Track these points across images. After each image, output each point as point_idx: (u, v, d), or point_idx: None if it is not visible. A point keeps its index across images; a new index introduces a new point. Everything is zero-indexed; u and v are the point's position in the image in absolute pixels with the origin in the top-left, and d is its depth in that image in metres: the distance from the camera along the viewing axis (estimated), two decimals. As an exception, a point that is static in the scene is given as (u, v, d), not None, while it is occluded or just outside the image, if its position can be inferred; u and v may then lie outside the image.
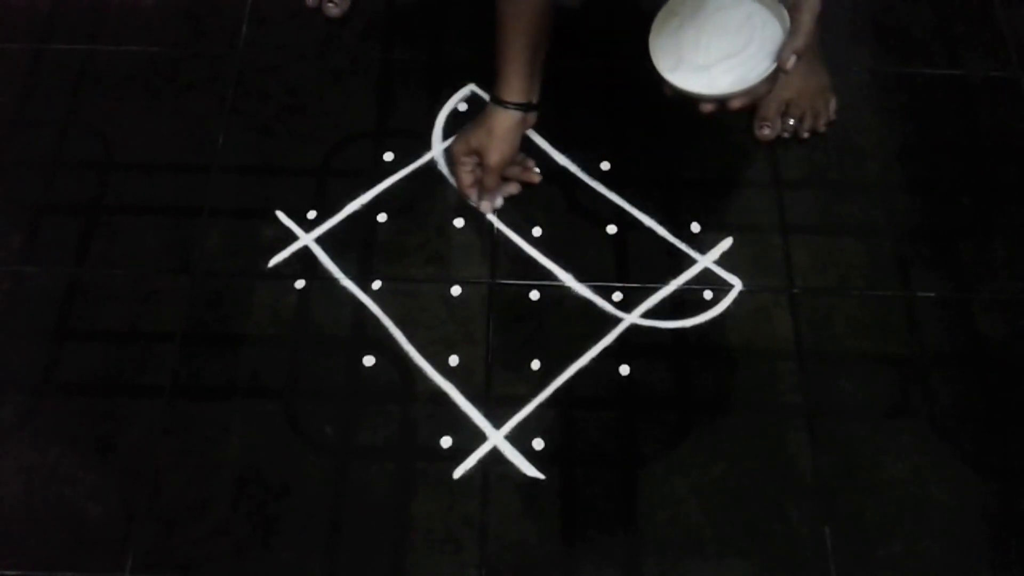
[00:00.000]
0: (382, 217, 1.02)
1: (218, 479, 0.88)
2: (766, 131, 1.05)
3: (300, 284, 0.98)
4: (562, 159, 1.06)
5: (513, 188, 1.03)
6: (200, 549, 0.85)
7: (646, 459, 0.89)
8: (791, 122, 1.05)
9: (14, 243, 1.00)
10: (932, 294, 0.98)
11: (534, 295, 0.98)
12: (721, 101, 0.84)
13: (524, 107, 0.98)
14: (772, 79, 0.83)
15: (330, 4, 1.15)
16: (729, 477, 0.88)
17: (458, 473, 0.88)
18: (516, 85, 0.97)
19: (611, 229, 1.02)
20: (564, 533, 0.86)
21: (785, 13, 0.83)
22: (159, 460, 0.89)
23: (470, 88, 1.10)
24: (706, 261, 1.00)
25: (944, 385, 0.93)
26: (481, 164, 0.99)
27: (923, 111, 1.11)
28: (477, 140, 0.99)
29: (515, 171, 1.02)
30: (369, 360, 0.94)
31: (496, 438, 0.90)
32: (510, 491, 0.88)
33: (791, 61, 0.82)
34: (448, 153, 1.04)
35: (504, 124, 0.98)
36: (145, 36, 1.14)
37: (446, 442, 0.90)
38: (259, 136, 1.07)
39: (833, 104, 1.08)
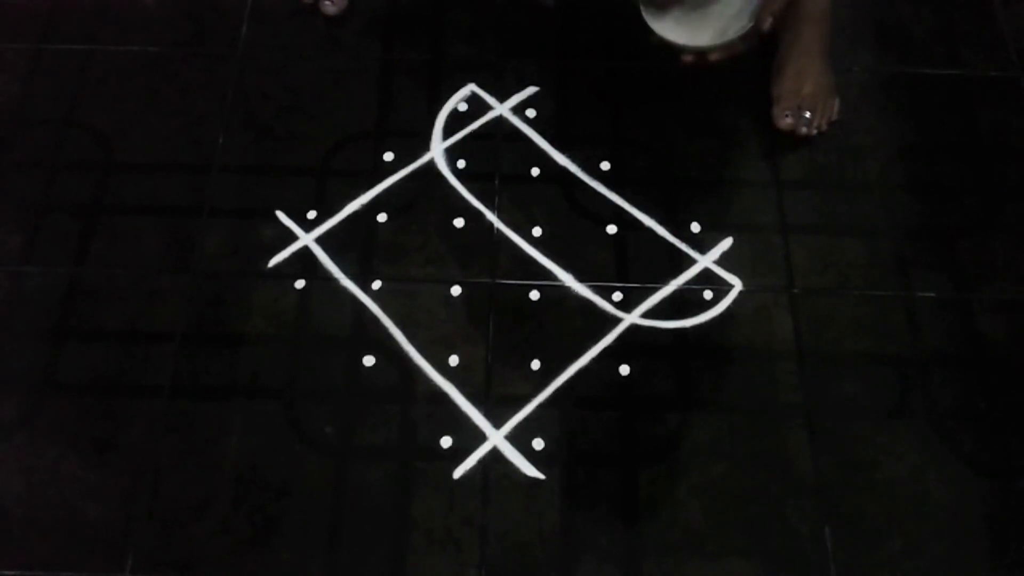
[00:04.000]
0: (382, 217, 1.02)
1: (218, 479, 0.88)
2: (789, 120, 1.06)
3: (300, 284, 0.98)
4: (562, 159, 1.06)
5: None
6: (200, 549, 0.85)
7: (646, 459, 0.89)
8: (807, 115, 1.05)
9: (14, 243, 1.00)
10: (932, 294, 0.98)
11: (534, 295, 0.98)
12: (701, 53, 0.91)
13: None
14: (749, 37, 0.89)
15: (327, 3, 1.15)
16: (729, 477, 0.88)
17: (458, 473, 0.88)
18: None
19: (611, 229, 1.02)
20: (564, 533, 0.86)
21: None
22: (159, 460, 0.89)
23: (470, 88, 1.10)
24: (706, 261, 1.00)
25: (944, 385, 0.93)
26: None
27: (923, 111, 1.11)
28: None
29: None
30: (369, 360, 0.94)
31: (496, 438, 0.90)
32: (510, 491, 0.88)
33: (767, 22, 0.89)
34: None
35: None
36: (145, 36, 1.15)
37: (446, 442, 0.90)
38: (259, 136, 1.07)
39: (836, 104, 1.08)
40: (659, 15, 0.90)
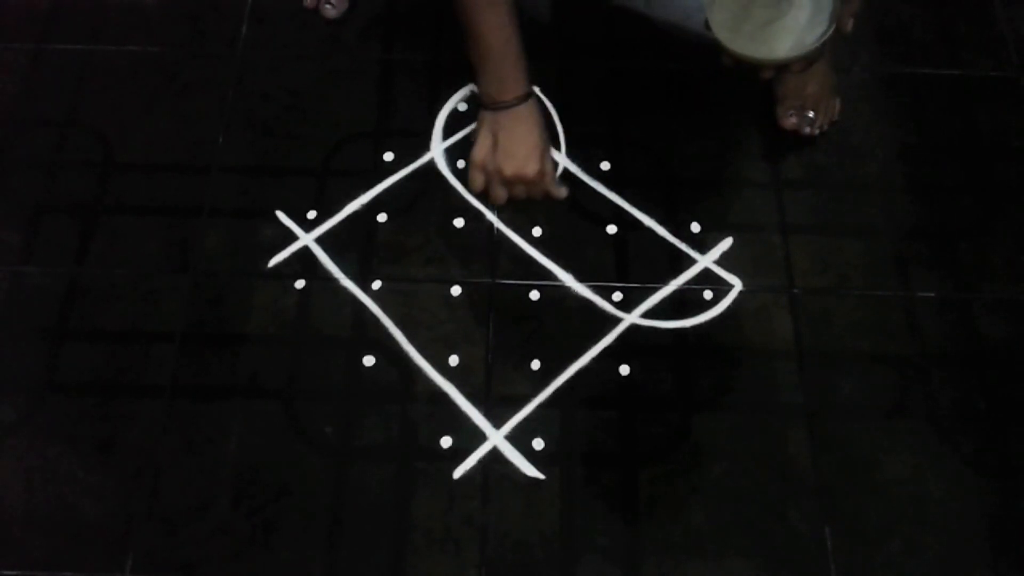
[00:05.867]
0: (382, 217, 1.02)
1: (218, 479, 0.88)
2: (793, 119, 1.06)
3: (300, 284, 0.98)
4: (562, 159, 1.06)
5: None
6: (200, 549, 0.85)
7: (646, 459, 0.89)
8: (810, 114, 1.05)
9: (14, 243, 1.00)
10: (932, 294, 0.98)
11: (534, 295, 0.98)
12: (779, 66, 0.86)
13: (526, 96, 0.97)
14: (828, 43, 0.84)
15: (327, 6, 1.15)
16: (729, 477, 0.88)
17: (458, 473, 0.88)
18: (515, 75, 0.96)
19: (611, 229, 1.02)
20: (564, 533, 0.86)
21: None
22: (159, 460, 0.89)
23: (470, 88, 1.10)
24: (706, 261, 1.00)
25: (944, 385, 0.93)
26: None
27: (923, 111, 1.11)
28: (482, 155, 0.99)
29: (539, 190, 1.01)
30: (369, 360, 0.94)
31: (496, 438, 0.90)
32: (510, 491, 0.88)
33: (850, 23, 0.84)
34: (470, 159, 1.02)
35: (522, 123, 0.97)
36: (145, 36, 1.15)
37: (446, 442, 0.90)
38: (259, 136, 1.07)
39: (838, 104, 1.08)
40: (732, 33, 0.85)
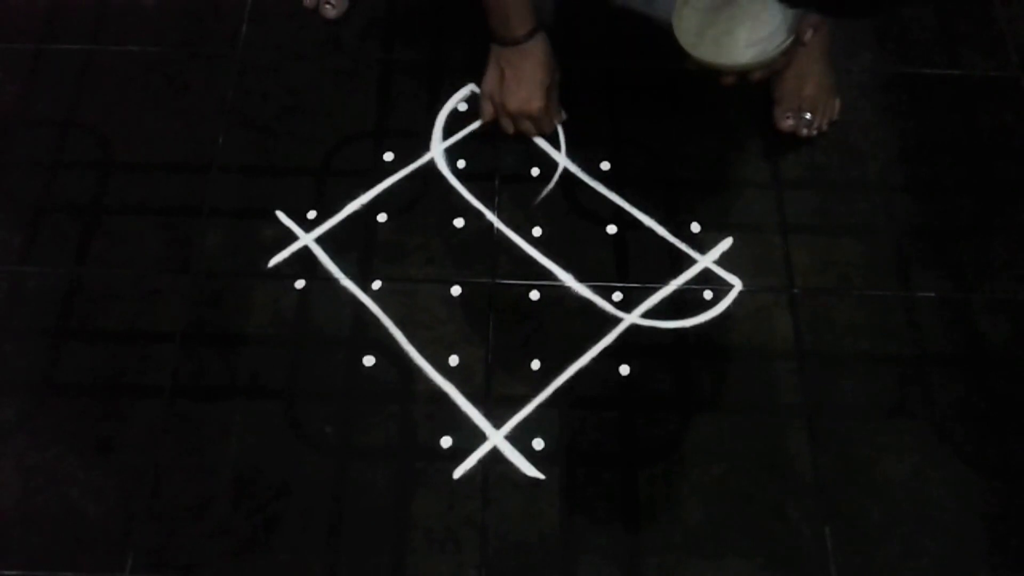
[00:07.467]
0: (382, 217, 1.02)
1: (218, 479, 0.88)
2: (791, 122, 1.06)
3: (300, 284, 0.98)
4: (562, 159, 1.06)
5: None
6: (200, 549, 0.85)
7: (646, 459, 0.89)
8: (808, 116, 1.05)
9: (14, 243, 1.00)
10: (932, 294, 0.98)
11: (534, 295, 0.98)
12: (742, 73, 0.88)
13: (532, 33, 0.99)
14: (789, 51, 0.87)
15: (327, 6, 1.15)
16: (729, 477, 0.88)
17: (458, 473, 0.88)
18: (521, 12, 0.98)
19: (611, 229, 1.02)
20: (564, 533, 0.86)
21: None
22: (159, 460, 0.89)
23: (470, 88, 1.10)
24: (706, 261, 1.00)
25: (944, 385, 0.93)
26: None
27: (923, 111, 1.11)
28: (490, 87, 1.02)
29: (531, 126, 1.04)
30: (369, 360, 0.94)
31: (496, 438, 0.90)
32: (510, 491, 0.88)
33: (809, 33, 0.87)
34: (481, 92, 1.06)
35: (525, 62, 1.00)
36: (145, 36, 1.15)
37: (446, 442, 0.90)
38: (259, 136, 1.08)
39: (837, 104, 1.08)
40: (696, 39, 0.88)
